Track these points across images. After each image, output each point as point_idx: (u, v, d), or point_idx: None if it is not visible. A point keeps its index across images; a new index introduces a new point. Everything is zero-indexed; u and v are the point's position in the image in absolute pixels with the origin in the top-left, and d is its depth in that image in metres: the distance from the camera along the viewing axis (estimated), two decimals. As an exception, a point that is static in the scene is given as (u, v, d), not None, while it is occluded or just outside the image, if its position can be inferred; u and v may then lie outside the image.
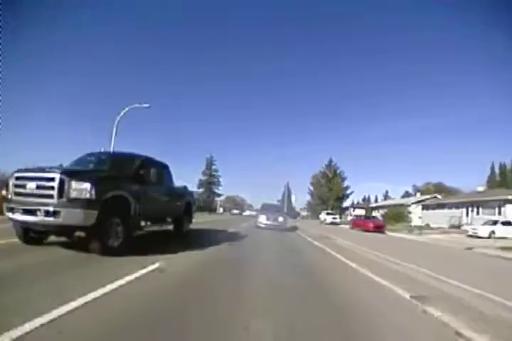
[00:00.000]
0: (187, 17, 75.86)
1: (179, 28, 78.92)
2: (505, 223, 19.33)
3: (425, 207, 34.84)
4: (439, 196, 38.35)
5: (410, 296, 3.32)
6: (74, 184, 3.59)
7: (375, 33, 76.96)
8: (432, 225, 28.36)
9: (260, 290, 3.19)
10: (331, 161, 52.99)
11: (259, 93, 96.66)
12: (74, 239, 4.65)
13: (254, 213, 39.92)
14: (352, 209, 50.70)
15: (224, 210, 60.05)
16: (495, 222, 19.55)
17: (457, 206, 29.21)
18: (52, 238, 4.64)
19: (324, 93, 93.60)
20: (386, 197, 71.77)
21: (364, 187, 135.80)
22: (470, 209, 27.61)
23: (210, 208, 49.97)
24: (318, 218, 41.96)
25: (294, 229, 16.08)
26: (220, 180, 57.51)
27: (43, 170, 3.85)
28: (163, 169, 6.21)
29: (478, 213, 26.47)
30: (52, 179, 3.61)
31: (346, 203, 54.98)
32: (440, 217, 29.32)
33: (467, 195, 32.49)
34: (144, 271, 3.33)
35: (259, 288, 3.27)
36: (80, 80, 66.03)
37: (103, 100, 73.43)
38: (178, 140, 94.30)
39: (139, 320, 2.06)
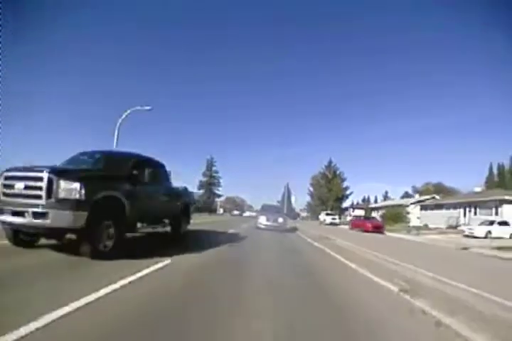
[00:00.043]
0: (187, 17, 75.84)
1: (179, 28, 78.84)
2: (502, 223, 19.52)
3: (424, 208, 34.87)
4: (437, 196, 38.44)
5: (410, 297, 3.33)
6: (62, 183, 3.42)
7: (375, 33, 77.24)
8: (430, 225, 28.42)
9: (260, 290, 3.21)
10: (330, 162, 53.06)
11: (259, 93, 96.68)
12: (65, 241, 4.51)
13: (254, 214, 39.88)
14: (351, 209, 50.63)
15: (224, 211, 59.95)
16: (491, 222, 19.73)
17: (455, 206, 29.29)
18: (44, 240, 4.48)
19: (324, 93, 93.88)
20: (386, 197, 71.72)
21: (364, 188, 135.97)
22: (467, 209, 27.69)
23: (210, 209, 49.94)
24: (317, 219, 41.95)
25: (294, 229, 16.04)
26: (220, 181, 57.63)
27: (31, 169, 3.71)
28: (158, 168, 6.00)
29: (475, 213, 26.55)
30: (40, 178, 3.46)
31: (346, 204, 55.03)
32: (438, 218, 29.36)
33: (465, 196, 32.64)
34: (139, 275, 3.18)
35: (259, 288, 3.29)
36: (80, 80, 65.69)
37: (103, 100, 73.35)
38: (179, 141, 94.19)
39: (132, 327, 1.93)
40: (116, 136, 15.41)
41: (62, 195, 3.43)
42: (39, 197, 3.44)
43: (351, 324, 2.41)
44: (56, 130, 62.62)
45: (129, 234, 5.56)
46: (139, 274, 3.21)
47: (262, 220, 14.21)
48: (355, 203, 65.50)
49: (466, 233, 19.31)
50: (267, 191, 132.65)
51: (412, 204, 37.39)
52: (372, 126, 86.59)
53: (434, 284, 4.17)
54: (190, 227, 8.55)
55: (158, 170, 5.94)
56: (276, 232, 12.54)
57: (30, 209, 3.41)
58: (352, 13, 68.90)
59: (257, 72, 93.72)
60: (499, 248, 11.59)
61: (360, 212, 42.06)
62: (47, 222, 3.37)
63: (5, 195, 3.77)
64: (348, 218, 40.68)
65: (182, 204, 7.18)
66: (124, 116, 15.68)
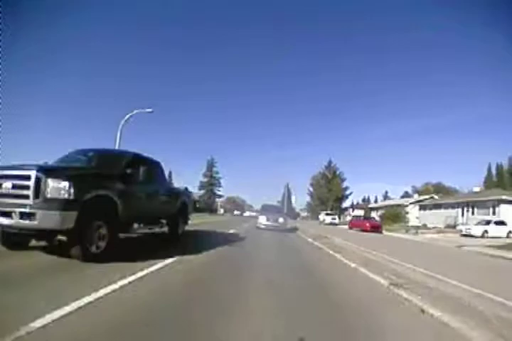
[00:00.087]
0: (187, 17, 75.71)
1: (179, 28, 78.70)
2: (498, 223, 19.81)
3: (422, 208, 34.91)
4: (435, 196, 38.53)
5: (408, 295, 3.38)
6: (51, 182, 3.26)
7: (374, 32, 77.53)
8: (428, 225, 28.51)
9: (261, 288, 3.24)
10: (330, 162, 53.15)
11: (260, 93, 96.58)
12: (55, 243, 4.37)
13: (254, 214, 39.82)
14: (351, 209, 50.68)
15: (225, 211, 59.73)
16: (488, 222, 19.98)
17: (453, 206, 29.39)
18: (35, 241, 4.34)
19: (324, 93, 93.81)
20: (386, 197, 71.66)
21: (364, 188, 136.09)
22: (465, 209, 27.77)
23: (211, 209, 49.81)
24: (317, 219, 41.97)
25: (294, 229, 16.01)
26: (221, 181, 57.44)
27: (19, 167, 3.55)
28: (154, 167, 5.76)
29: (473, 213, 26.67)
30: (28, 177, 3.30)
31: (346, 204, 55.05)
32: (437, 217, 29.46)
33: (463, 196, 32.81)
34: (131, 278, 3.03)
35: (260, 286, 3.33)
36: (80, 81, 65.34)
37: (103, 100, 73.13)
38: (179, 141, 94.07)
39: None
40: (118, 139, 15.24)
41: (50, 194, 3.26)
42: (26, 196, 3.28)
43: (351, 321, 2.46)
44: (56, 130, 62.43)
45: (125, 235, 5.42)
46: (131, 278, 3.06)
47: (263, 220, 14.19)
48: (355, 203, 65.54)
49: (464, 232, 19.60)
50: (267, 191, 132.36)
51: (411, 204, 37.50)
52: (372, 126, 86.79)
53: (434, 283, 4.21)
54: (190, 227, 8.45)
55: (154, 169, 5.71)
56: (276, 232, 12.54)
57: (18, 210, 3.25)
58: (352, 12, 69.24)
59: (257, 72, 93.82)
60: (494, 247, 11.97)
61: (360, 212, 42.19)
62: (34, 222, 3.21)
63: (-7, 194, 3.63)
64: (348, 218, 40.67)
65: (179, 204, 6.97)
66: (125, 119, 15.52)
